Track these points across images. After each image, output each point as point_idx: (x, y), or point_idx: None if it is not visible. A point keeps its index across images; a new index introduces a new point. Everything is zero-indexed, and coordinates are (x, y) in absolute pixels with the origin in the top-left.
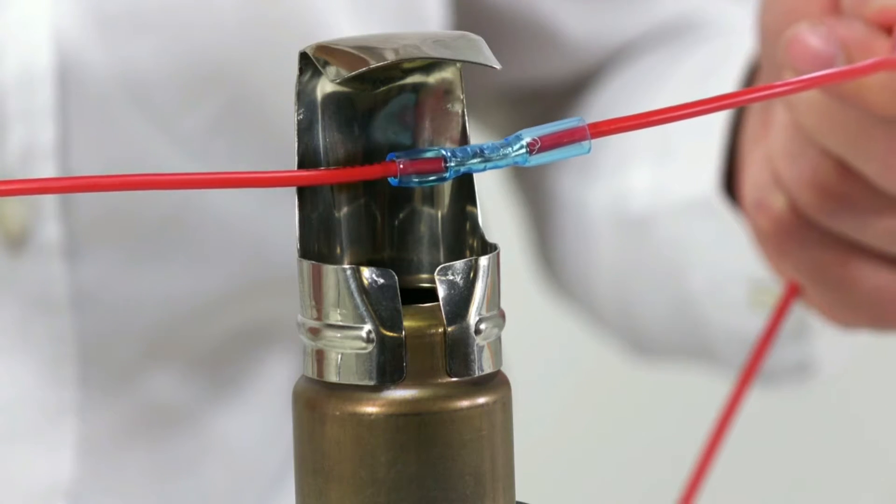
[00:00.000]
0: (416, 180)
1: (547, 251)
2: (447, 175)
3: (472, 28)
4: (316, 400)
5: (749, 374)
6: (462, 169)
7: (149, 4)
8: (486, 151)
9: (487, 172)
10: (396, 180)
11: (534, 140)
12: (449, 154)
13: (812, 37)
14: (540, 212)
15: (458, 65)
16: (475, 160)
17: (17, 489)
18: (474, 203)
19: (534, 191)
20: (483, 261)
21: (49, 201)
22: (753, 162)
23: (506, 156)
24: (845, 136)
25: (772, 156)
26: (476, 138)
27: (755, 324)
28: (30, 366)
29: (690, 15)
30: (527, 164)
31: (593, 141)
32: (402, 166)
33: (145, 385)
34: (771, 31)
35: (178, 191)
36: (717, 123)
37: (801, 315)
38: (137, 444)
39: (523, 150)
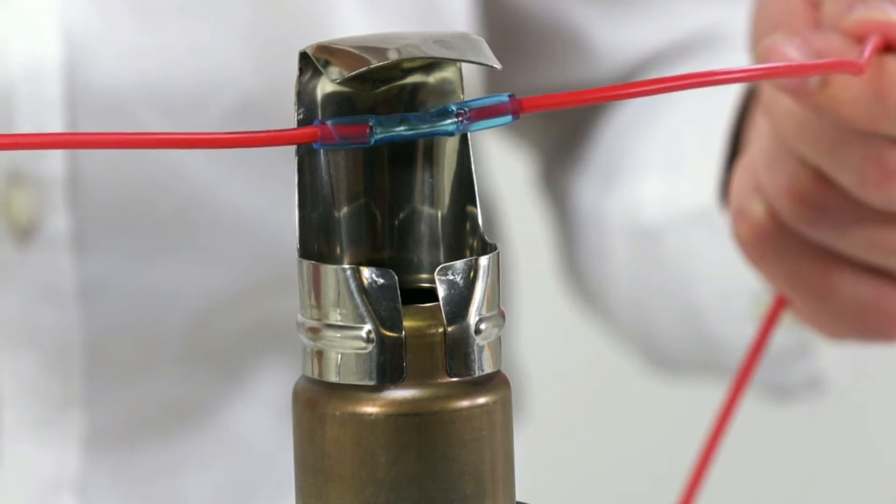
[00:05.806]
0: (339, 144)
1: (571, 264)
2: (370, 141)
3: (503, 35)
4: (316, 400)
5: (739, 386)
6: (387, 136)
7: None
8: (413, 119)
9: (516, 182)
10: (318, 144)
11: (462, 111)
12: (374, 121)
13: (787, 47)
14: (564, 224)
15: (459, 65)
16: (401, 128)
17: (23, 482)
18: (474, 203)
19: (559, 203)
20: (483, 261)
21: (58, 193)
22: (738, 169)
23: (433, 124)
24: (822, 146)
25: (753, 163)
26: (500, 146)
27: None
28: (36, 358)
29: (712, 28)
30: (452, 134)
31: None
32: (326, 130)
33: (153, 379)
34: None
35: (188, 187)
36: (723, 133)
37: (804, 331)
38: (145, 439)
39: (452, 121)
